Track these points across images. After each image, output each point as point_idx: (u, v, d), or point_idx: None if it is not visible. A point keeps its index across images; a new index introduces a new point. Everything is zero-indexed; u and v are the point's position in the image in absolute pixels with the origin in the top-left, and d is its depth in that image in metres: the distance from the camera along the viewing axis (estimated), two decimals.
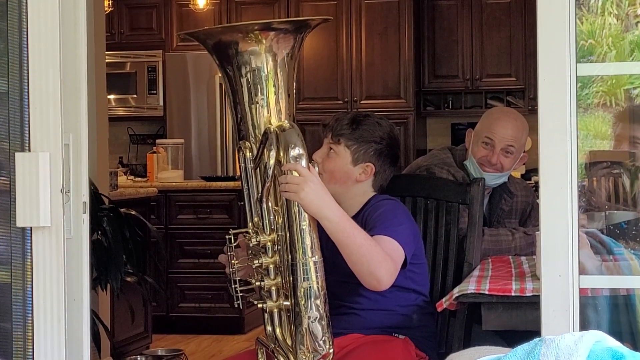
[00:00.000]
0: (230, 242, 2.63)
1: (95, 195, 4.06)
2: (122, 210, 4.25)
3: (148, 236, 4.81)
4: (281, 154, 2.47)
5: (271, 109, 2.54)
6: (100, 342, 4.26)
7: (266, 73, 2.53)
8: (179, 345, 6.08)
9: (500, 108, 5.05)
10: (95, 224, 3.95)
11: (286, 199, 2.49)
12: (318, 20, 2.62)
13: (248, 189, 2.60)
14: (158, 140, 7.58)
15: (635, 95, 2.81)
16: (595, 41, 2.58)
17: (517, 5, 8.10)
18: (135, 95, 8.37)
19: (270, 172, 2.46)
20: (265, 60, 2.52)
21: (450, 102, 8.41)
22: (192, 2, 8.18)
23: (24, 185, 2.33)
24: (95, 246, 3.93)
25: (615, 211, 2.88)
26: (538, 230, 2.33)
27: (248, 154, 2.57)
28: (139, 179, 7.39)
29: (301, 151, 2.49)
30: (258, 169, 2.54)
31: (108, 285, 4.13)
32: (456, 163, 3.65)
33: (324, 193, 2.54)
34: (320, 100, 8.02)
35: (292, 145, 2.47)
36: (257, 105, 2.54)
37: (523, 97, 8.19)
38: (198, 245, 6.64)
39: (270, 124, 2.51)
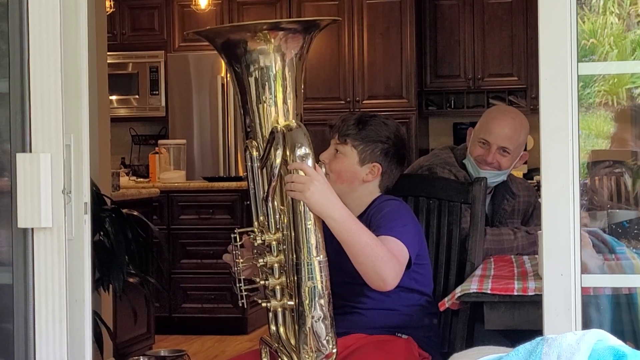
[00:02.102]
0: (236, 241, 2.63)
1: (97, 196, 4.06)
2: (124, 211, 4.24)
3: (150, 237, 4.81)
4: (287, 153, 2.47)
5: (279, 109, 2.53)
6: (103, 343, 4.25)
7: (274, 72, 2.52)
8: (181, 346, 6.08)
9: (499, 107, 5.02)
10: (97, 225, 3.94)
11: (292, 198, 2.48)
12: (327, 21, 2.61)
13: (254, 187, 2.60)
14: (160, 141, 7.58)
15: (637, 95, 2.81)
16: (597, 40, 2.58)
17: (519, 5, 8.11)
18: (137, 96, 8.37)
19: (276, 171, 2.46)
20: (274, 60, 2.52)
21: (453, 101, 8.41)
22: (193, 3, 8.18)
23: (25, 186, 2.32)
24: (97, 247, 3.93)
25: (617, 210, 2.88)
26: (540, 230, 2.32)
27: (255, 153, 2.57)
28: (141, 179, 7.40)
29: (307, 150, 2.48)
30: (264, 168, 2.54)
31: (110, 286, 4.13)
32: (458, 162, 3.64)
33: (330, 192, 2.54)
34: (323, 100, 8.01)
35: (299, 145, 2.47)
36: (265, 104, 2.53)
37: (525, 97, 8.18)
38: (200, 246, 6.64)
39: (278, 123, 2.51)
